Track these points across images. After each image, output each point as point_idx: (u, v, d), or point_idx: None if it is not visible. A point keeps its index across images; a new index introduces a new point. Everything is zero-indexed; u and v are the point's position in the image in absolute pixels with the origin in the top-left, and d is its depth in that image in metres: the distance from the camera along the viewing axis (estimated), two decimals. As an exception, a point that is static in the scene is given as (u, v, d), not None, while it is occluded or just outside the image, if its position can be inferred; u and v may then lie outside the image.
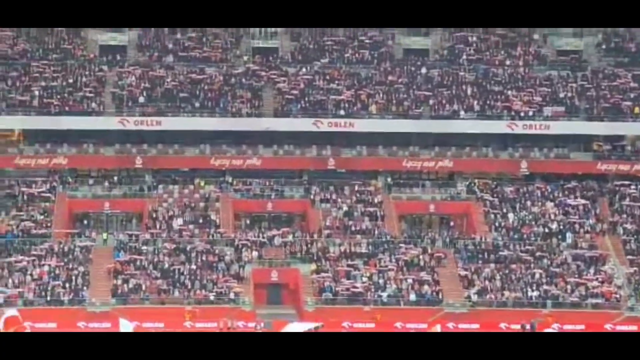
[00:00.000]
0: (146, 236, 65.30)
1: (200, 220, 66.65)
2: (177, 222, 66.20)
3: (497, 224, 67.01)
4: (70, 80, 71.73)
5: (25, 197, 67.42)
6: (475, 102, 71.69)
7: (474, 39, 76.58)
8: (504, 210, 68.26)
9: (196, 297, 60.85)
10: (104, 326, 57.10)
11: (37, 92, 70.46)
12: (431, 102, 72.15)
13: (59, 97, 70.45)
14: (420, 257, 64.03)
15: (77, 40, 74.99)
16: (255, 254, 64.15)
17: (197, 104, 71.38)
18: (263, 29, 77.47)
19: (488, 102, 71.79)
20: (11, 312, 54.14)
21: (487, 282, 62.39)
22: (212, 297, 61.01)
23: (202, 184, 69.51)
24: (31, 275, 61.41)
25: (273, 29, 77.56)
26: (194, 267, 62.66)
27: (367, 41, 76.75)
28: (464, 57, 75.23)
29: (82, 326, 57.90)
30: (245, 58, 75.81)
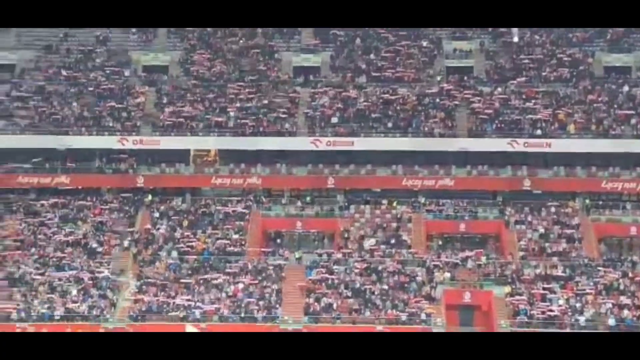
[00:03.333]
0: (338, 255, 68.32)
1: (392, 241, 69.01)
2: (369, 242, 68.92)
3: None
4: (265, 102, 76.12)
5: (220, 215, 72.03)
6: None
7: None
8: None
9: (387, 317, 63.03)
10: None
11: (232, 113, 75.27)
12: (633, 121, 72.09)
13: (253, 118, 74.95)
14: (620, 280, 64.02)
15: (271, 61, 79.51)
16: (447, 275, 65.95)
17: (389, 124, 74.18)
18: (457, 49, 79.74)
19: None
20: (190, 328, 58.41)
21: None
22: (403, 318, 63.07)
23: (394, 204, 72.02)
24: (226, 292, 65.62)
25: (467, 48, 79.65)
26: (385, 287, 65.06)
27: (565, 59, 77.60)
28: (669, 74, 74.91)
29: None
30: (438, 78, 78.05)
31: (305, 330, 61.62)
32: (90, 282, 66.27)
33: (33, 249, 69.10)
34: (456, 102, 75.59)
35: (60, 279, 66.48)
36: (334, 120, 74.81)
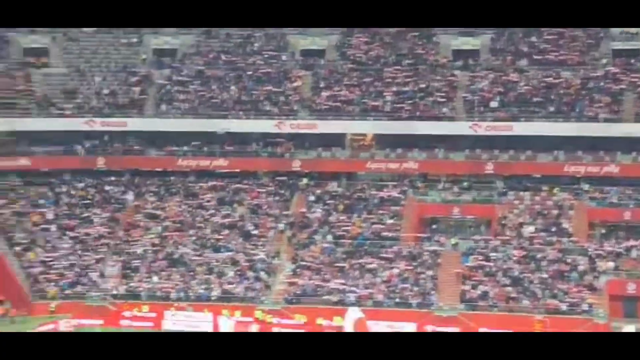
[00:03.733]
0: (495, 242, 66.87)
1: (553, 229, 67.02)
2: (528, 230, 67.13)
3: None
4: (422, 85, 75.20)
5: (376, 200, 71.68)
6: None
7: None
8: None
9: (546, 307, 61.30)
10: (451, 330, 59.55)
11: (389, 97, 74.73)
12: None
13: (410, 102, 74.18)
14: None
15: (429, 45, 78.53)
16: (610, 264, 63.55)
17: (551, 109, 72.07)
18: (624, 31, 76.66)
19: None
20: (357, 314, 58.11)
21: None
22: (564, 308, 61.15)
23: (555, 191, 69.93)
24: (381, 277, 65.23)
25: (635, 31, 76.44)
26: (544, 275, 63.26)
27: None
28: None
29: (429, 329, 60.40)
30: (604, 61, 75.32)
31: (460, 318, 60.82)
32: (246, 264, 67.14)
33: (191, 231, 70.53)
34: (622, 86, 72.73)
35: (217, 261, 67.63)
36: (494, 104, 73.24)
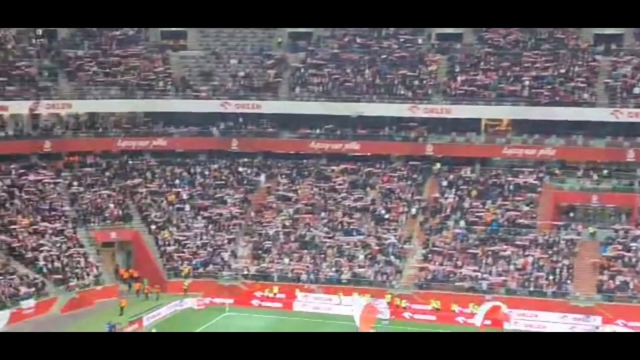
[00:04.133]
0: (636, 232, 64.52)
1: (697, 219, 64.52)
2: (674, 219, 64.73)
3: None
4: (562, 70, 73.21)
5: (511, 187, 70.18)
6: None
7: None
8: None
9: (689, 300, 59.03)
10: (588, 321, 58.02)
11: (527, 82, 72.98)
12: None
13: (549, 87, 72.27)
14: None
15: (570, 29, 76.30)
16: None
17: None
18: None
19: None
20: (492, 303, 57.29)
21: None
22: None
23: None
24: (515, 265, 63.80)
25: None
26: (687, 267, 60.86)
27: None
28: None
29: (569, 319, 58.74)
30: None
31: (597, 308, 59.03)
32: (377, 248, 66.71)
33: (323, 213, 70.55)
34: None
35: (348, 244, 67.44)
36: (637, 90, 70.65)
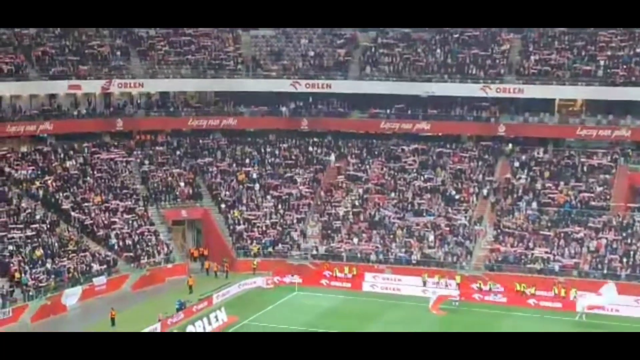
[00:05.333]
0: None
1: None
2: None
3: None
4: (638, 50, 71.51)
5: (584, 168, 68.95)
6: None
7: None
8: None
9: None
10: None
11: (602, 62, 71.48)
12: None
13: (625, 67, 70.69)
14: None
15: (647, 7, 74.49)
16: None
17: None
18: None
19: None
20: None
21: None
22: None
23: None
24: (587, 247, 62.72)
25: None
26: None
27: None
28: None
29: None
30: None
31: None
32: (447, 228, 66.11)
33: (393, 194, 70.14)
34: None
35: (417, 224, 66.96)
36: None
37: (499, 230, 65.17)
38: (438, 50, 75.80)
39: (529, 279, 60.58)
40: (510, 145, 72.07)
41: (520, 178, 69.25)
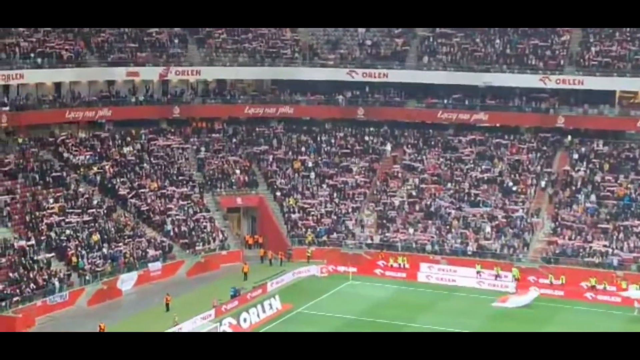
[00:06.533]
0: None
1: None
2: None
3: None
4: (703, 41, 70.22)
5: (647, 160, 67.82)
6: None
7: None
8: None
9: None
10: None
11: (665, 54, 70.23)
12: None
13: (689, 58, 69.39)
14: None
15: None
16: None
17: None
18: None
19: None
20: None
21: None
22: None
23: None
24: (653, 241, 61.63)
25: None
26: None
27: None
28: None
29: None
30: None
31: None
32: (504, 220, 65.27)
33: (449, 184, 69.44)
34: None
35: (474, 215, 66.23)
36: None
37: (556, 223, 64.18)
38: (497, 40, 74.75)
39: (587, 272, 59.53)
40: (569, 137, 70.92)
41: (579, 170, 68.13)
